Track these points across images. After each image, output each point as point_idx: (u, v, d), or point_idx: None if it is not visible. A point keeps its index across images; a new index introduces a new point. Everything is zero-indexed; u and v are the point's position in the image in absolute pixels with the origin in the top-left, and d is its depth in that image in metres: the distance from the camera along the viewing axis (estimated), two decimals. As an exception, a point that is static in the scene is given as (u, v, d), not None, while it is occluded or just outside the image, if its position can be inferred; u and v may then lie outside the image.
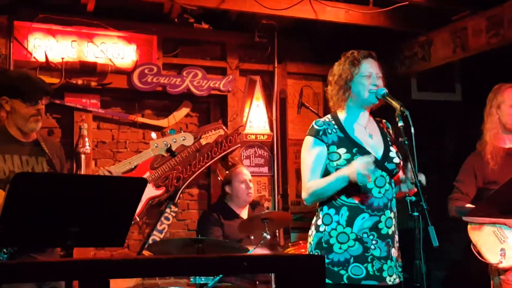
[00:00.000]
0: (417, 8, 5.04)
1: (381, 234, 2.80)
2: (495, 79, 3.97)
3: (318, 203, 2.90)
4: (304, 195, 2.88)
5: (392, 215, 2.85)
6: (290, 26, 5.44)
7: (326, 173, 2.85)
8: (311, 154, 2.86)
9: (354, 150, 2.80)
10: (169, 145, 3.23)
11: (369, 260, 2.77)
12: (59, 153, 3.25)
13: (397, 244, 2.88)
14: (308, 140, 2.90)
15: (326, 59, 3.48)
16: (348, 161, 2.78)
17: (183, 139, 3.30)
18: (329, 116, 2.96)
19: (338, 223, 2.80)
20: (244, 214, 4.70)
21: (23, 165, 3.03)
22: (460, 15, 5.03)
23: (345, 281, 2.75)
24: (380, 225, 2.80)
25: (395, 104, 2.76)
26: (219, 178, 5.22)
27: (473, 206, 3.71)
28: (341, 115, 2.94)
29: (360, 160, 2.70)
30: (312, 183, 2.83)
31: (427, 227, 2.54)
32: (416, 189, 2.63)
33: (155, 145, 3.22)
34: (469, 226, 3.66)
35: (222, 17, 5.27)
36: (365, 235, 2.78)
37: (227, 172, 5.00)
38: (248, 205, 4.77)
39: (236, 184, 4.70)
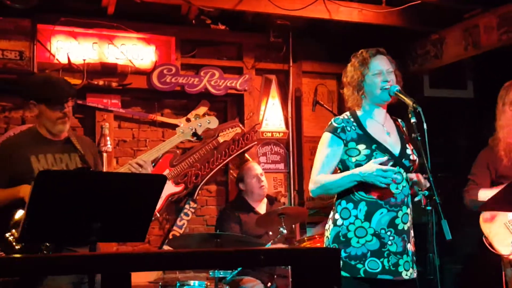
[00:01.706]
0: (429, 6, 5.06)
1: (398, 230, 2.83)
2: (507, 75, 4.00)
3: (336, 198, 2.94)
4: (311, 186, 2.92)
5: (408, 210, 2.88)
6: (305, 26, 5.49)
7: (345, 168, 2.90)
8: (326, 149, 2.91)
9: (374, 147, 2.83)
10: (194, 129, 3.23)
11: (385, 255, 2.81)
12: (91, 149, 3.28)
13: (413, 239, 2.92)
14: (326, 136, 2.93)
15: (340, 58, 3.51)
16: (368, 156, 2.82)
17: (208, 122, 3.30)
18: (347, 113, 2.99)
19: (357, 217, 2.84)
20: (261, 208, 4.79)
21: (56, 163, 3.07)
22: (472, 13, 5.05)
23: (362, 274, 2.79)
24: (397, 221, 2.84)
25: (408, 100, 2.80)
26: (233, 177, 5.30)
27: (487, 190, 3.72)
28: (359, 113, 2.98)
29: (377, 163, 2.73)
30: (322, 176, 2.88)
31: (440, 221, 2.58)
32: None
33: (181, 131, 3.22)
34: (481, 219, 3.70)
35: (238, 18, 5.33)
36: (382, 231, 2.81)
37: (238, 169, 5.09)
38: (266, 201, 4.85)
39: (248, 180, 4.79)
